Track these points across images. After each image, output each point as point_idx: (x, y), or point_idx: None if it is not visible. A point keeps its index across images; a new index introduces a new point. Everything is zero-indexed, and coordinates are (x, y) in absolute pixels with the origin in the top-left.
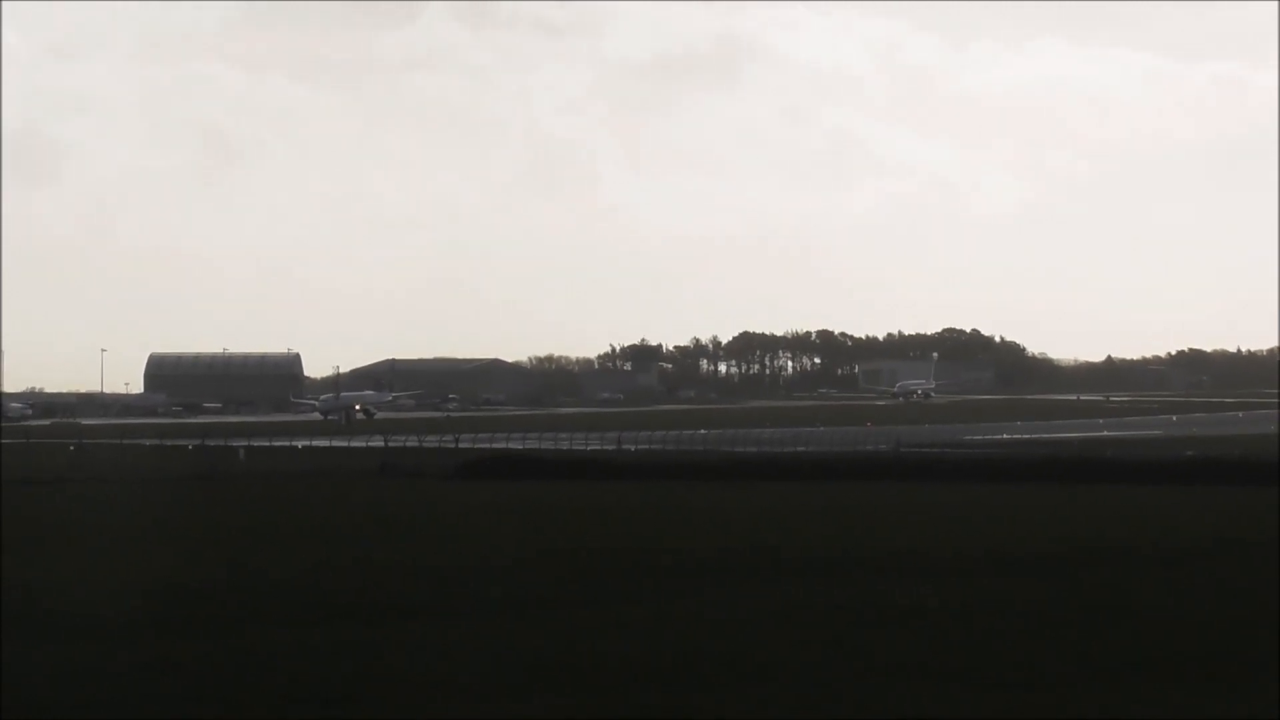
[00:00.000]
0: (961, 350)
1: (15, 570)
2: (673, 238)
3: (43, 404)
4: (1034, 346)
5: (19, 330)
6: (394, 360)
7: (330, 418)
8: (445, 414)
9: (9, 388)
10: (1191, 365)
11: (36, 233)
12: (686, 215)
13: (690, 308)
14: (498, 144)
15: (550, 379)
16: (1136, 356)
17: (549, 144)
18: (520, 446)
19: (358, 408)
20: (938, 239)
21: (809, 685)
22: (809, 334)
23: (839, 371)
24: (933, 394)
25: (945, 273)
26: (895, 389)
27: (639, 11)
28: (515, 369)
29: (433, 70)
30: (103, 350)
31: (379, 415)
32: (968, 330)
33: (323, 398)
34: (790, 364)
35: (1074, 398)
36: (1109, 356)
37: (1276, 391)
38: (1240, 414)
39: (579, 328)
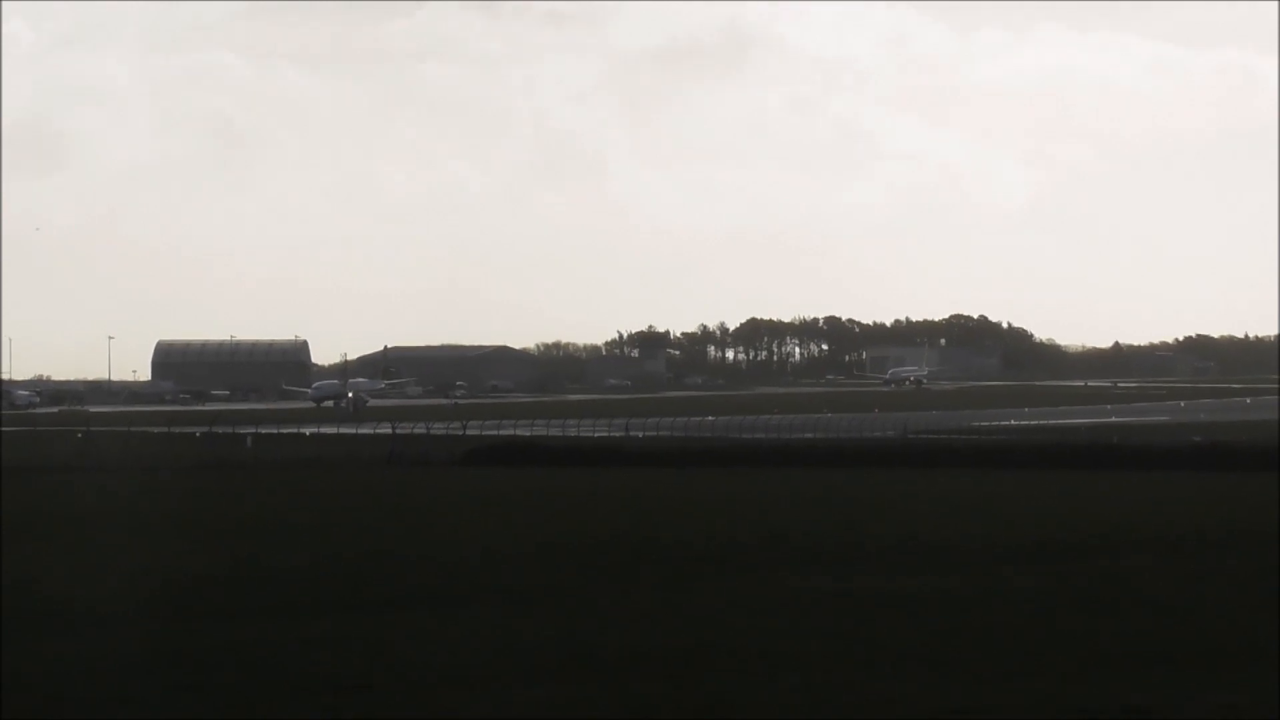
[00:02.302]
0: (969, 336)
1: (20, 561)
2: (680, 226)
3: (50, 392)
4: (1041, 333)
5: (27, 319)
6: (386, 348)
7: (324, 404)
8: (453, 401)
9: (16, 376)
10: (1198, 351)
11: (44, 221)
12: (693, 204)
13: (697, 295)
14: (505, 133)
15: (557, 366)
16: (1143, 342)
17: (556, 133)
18: (528, 433)
19: (350, 395)
20: (945, 228)
21: (819, 675)
22: (816, 320)
23: (846, 358)
24: (925, 381)
25: (952, 261)
26: (888, 375)
27: (646, 1)
28: (522, 356)
29: (441, 60)
30: (110, 338)
31: (371, 403)
32: (975, 317)
33: (316, 385)
34: (798, 350)
35: (1081, 384)
36: (1116, 342)
37: (1278, 376)
38: (1248, 400)
39: (586, 315)
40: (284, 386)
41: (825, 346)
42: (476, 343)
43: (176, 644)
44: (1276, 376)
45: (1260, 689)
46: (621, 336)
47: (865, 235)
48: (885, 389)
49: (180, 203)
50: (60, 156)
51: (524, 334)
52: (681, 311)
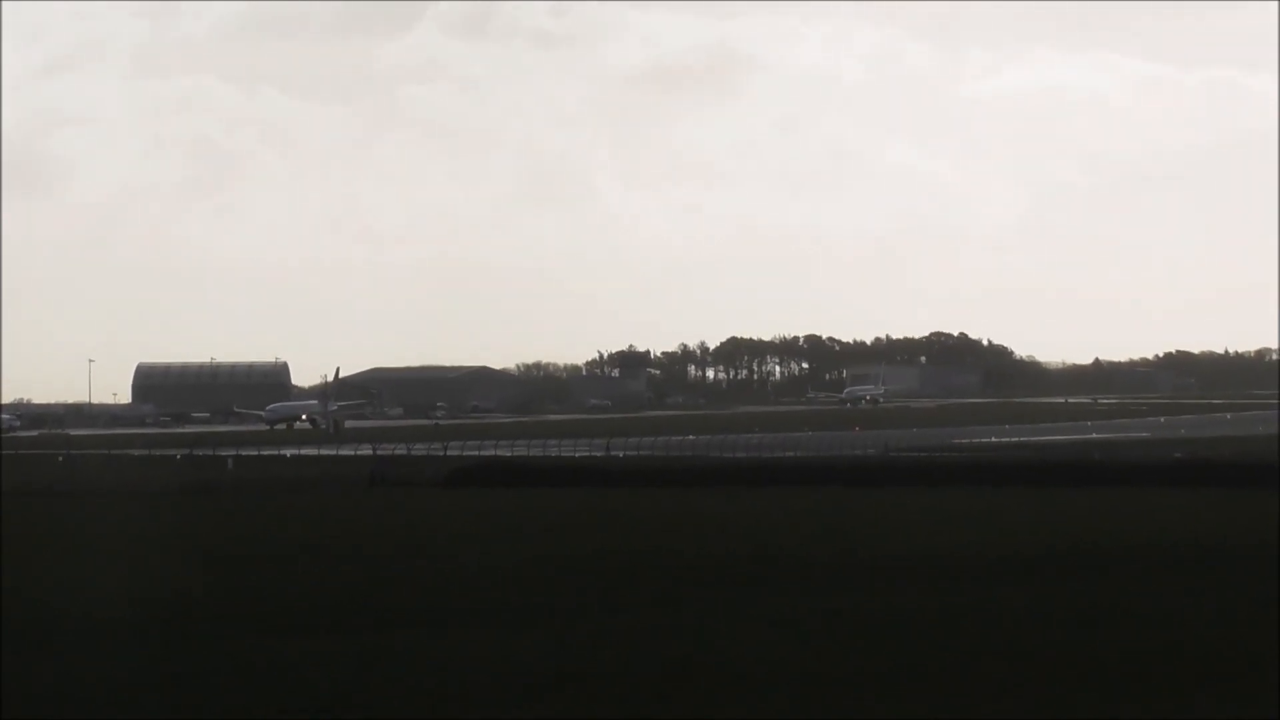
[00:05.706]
0: (949, 354)
1: (19, 579)
2: (662, 246)
3: (31, 415)
4: (1021, 350)
5: (7, 341)
6: (338, 370)
7: (277, 427)
8: (434, 422)
9: None
10: (1179, 367)
11: (28, 244)
12: (677, 224)
13: (678, 314)
14: (492, 155)
15: (539, 386)
16: (1124, 359)
17: (544, 155)
18: (509, 454)
19: (304, 417)
20: (931, 245)
21: (808, 692)
22: (797, 339)
23: (826, 376)
24: (881, 400)
25: (937, 278)
26: (844, 394)
27: (634, 23)
28: (504, 376)
29: (427, 82)
30: (90, 361)
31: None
32: (955, 334)
33: (269, 407)
34: (778, 369)
35: (1062, 400)
36: (1096, 359)
37: (1277, 393)
38: (1228, 416)
39: (567, 335)
40: (235, 409)
41: (805, 365)
42: (457, 363)
43: (173, 656)
44: (1264, 391)
45: (1257, 705)
46: (602, 356)
47: (851, 253)
48: (842, 408)
49: (166, 226)
50: (46, 179)
51: (505, 355)
52: (662, 331)
